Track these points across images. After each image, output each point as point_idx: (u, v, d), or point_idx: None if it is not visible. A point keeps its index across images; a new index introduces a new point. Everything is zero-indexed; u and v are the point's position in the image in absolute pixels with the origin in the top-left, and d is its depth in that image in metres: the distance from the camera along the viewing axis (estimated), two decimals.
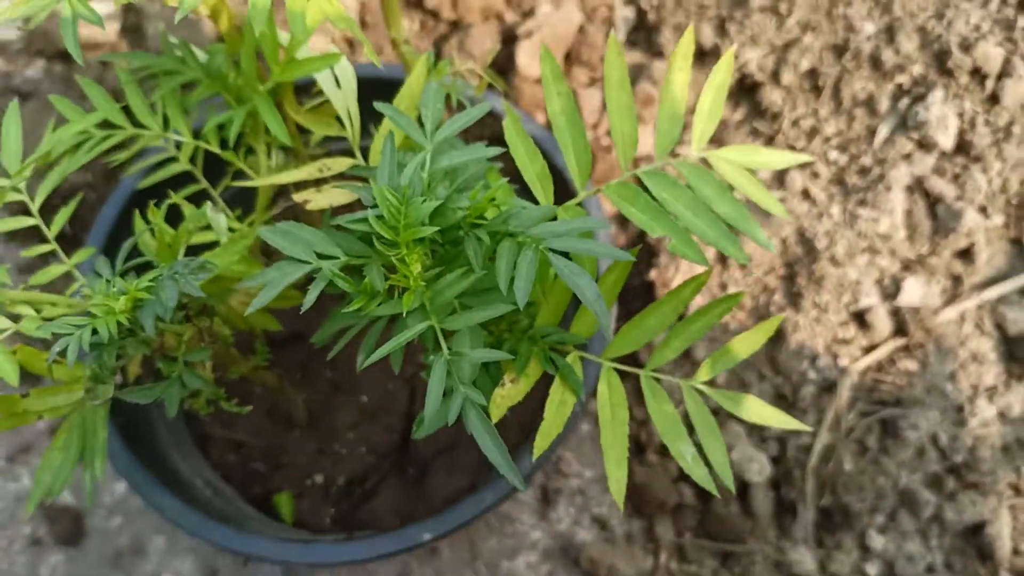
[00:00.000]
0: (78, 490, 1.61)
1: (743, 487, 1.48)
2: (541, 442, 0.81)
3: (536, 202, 0.87)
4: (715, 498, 1.49)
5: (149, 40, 1.79)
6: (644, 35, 1.74)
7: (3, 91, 1.89)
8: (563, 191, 0.91)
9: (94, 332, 0.72)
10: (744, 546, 1.47)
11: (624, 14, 1.76)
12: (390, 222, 0.72)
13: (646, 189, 0.84)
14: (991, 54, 1.45)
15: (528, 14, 1.76)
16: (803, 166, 1.54)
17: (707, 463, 0.85)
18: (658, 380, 0.88)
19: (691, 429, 0.86)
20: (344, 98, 0.92)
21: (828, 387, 1.49)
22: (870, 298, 1.48)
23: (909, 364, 1.49)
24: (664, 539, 1.51)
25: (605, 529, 1.56)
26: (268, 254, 1.18)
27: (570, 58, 1.75)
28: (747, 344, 0.88)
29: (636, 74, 1.68)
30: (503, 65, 1.73)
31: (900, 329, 1.49)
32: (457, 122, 0.82)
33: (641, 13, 1.74)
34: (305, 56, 0.89)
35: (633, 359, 1.50)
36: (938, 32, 1.48)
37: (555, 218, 0.85)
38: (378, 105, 0.82)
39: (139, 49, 1.84)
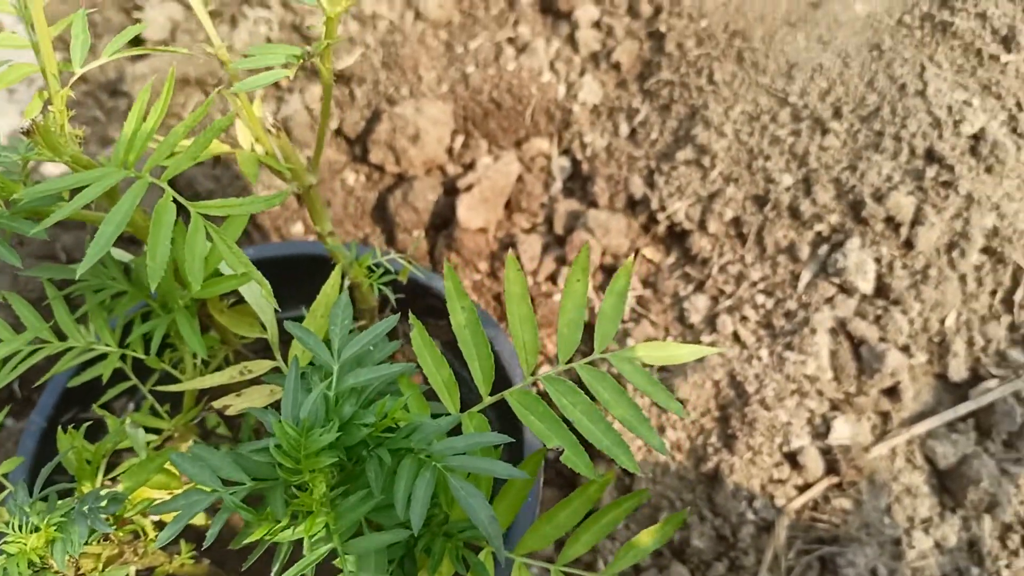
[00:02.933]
0: None
1: None
2: None
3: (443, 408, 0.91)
4: None
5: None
6: (579, 183, 1.81)
7: None
8: (475, 394, 0.95)
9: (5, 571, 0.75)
10: None
11: (561, 163, 1.83)
12: (291, 453, 0.75)
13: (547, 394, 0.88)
14: (903, 203, 1.52)
15: (469, 166, 1.83)
16: (731, 309, 1.60)
17: None
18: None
19: None
20: (261, 308, 0.96)
21: (766, 527, 1.52)
22: (801, 439, 1.52)
23: (844, 502, 1.52)
24: None
25: None
26: (204, 436, 1.21)
27: (510, 206, 1.81)
28: (651, 538, 0.91)
29: (572, 222, 1.75)
30: (445, 216, 1.79)
31: (832, 468, 1.52)
32: (361, 340, 0.86)
33: (576, 163, 1.82)
34: (224, 275, 0.93)
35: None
36: (852, 183, 1.56)
37: (460, 429, 0.89)
38: (289, 326, 0.86)
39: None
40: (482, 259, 1.73)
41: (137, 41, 2.05)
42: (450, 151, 1.85)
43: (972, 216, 1.51)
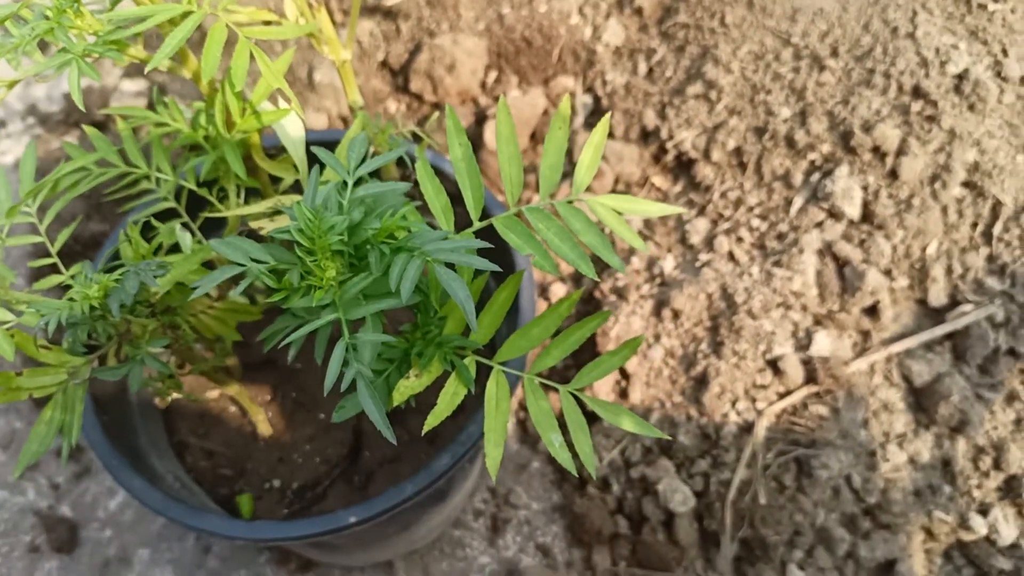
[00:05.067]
0: (76, 504, 1.79)
1: (669, 517, 1.63)
2: (431, 420, 0.99)
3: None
4: (646, 527, 1.63)
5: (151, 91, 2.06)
6: (599, 118, 1.97)
7: (45, 157, 2.16)
8: (467, 222, 1.11)
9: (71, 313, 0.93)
10: (671, 574, 1.60)
11: (584, 100, 1.99)
12: (307, 233, 0.92)
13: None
14: (889, 135, 1.65)
15: (499, 98, 2.00)
16: (729, 231, 1.74)
17: (575, 454, 1.02)
18: (541, 384, 1.06)
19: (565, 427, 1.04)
20: (295, 148, 1.14)
21: (747, 427, 1.65)
22: (784, 348, 1.65)
23: (821, 409, 1.65)
24: (600, 567, 1.65)
25: (548, 556, 1.71)
26: None
27: (535, 137, 1.98)
28: (614, 359, 1.06)
29: None
30: (475, 141, 1.96)
31: (812, 377, 1.65)
32: (374, 162, 1.03)
33: (597, 100, 1.98)
34: (264, 112, 1.11)
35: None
36: (843, 116, 1.69)
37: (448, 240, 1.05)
38: (315, 149, 1.03)
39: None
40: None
41: None
42: (483, 84, 2.03)
43: (954, 150, 1.63)
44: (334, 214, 0.97)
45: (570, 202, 1.07)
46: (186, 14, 0.95)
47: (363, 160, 1.05)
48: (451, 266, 0.95)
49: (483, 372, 1.06)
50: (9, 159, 2.22)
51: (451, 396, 1.04)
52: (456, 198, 1.05)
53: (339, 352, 0.92)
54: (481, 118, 1.97)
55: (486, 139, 1.89)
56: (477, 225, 1.08)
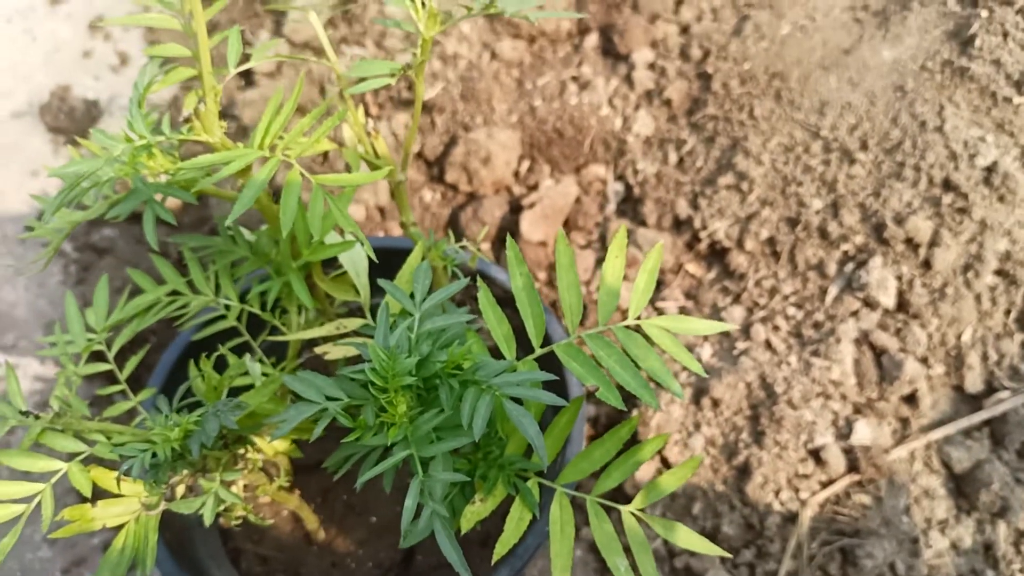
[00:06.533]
0: None
1: None
2: (500, 548, 1.02)
3: (503, 357, 1.10)
4: None
5: (212, 208, 2.11)
6: (631, 205, 2.02)
7: (84, 247, 2.20)
8: (529, 348, 1.14)
9: (153, 455, 0.96)
10: None
11: (615, 188, 2.04)
12: (381, 372, 0.95)
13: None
14: (922, 227, 1.68)
15: (533, 187, 2.05)
16: (765, 320, 1.77)
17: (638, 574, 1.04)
18: (602, 505, 1.08)
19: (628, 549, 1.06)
20: (357, 273, 1.18)
21: (791, 518, 1.66)
22: (825, 437, 1.67)
23: (864, 498, 1.66)
24: None
25: None
26: (296, 397, 1.42)
27: (568, 224, 2.02)
28: (674, 479, 1.09)
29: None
30: (510, 230, 2.00)
31: (854, 466, 1.66)
32: (439, 295, 1.06)
33: (629, 188, 2.02)
34: (330, 242, 1.15)
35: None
36: (875, 208, 1.73)
37: (515, 370, 1.08)
38: (381, 282, 1.07)
39: (200, 212, 2.15)
40: (541, 269, 1.94)
41: (247, 74, 2.33)
42: (516, 174, 2.07)
43: (986, 240, 1.66)
44: (404, 352, 1.00)
45: (629, 327, 1.10)
46: (262, 159, 1.00)
47: (428, 292, 1.09)
48: (517, 398, 0.98)
49: (542, 494, 1.09)
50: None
51: (516, 522, 1.06)
52: (504, 301, 1.08)
53: (414, 490, 0.95)
54: (516, 207, 2.01)
55: (522, 229, 1.93)
56: (539, 352, 1.11)
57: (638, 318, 1.12)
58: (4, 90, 2.60)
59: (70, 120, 2.46)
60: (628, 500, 1.07)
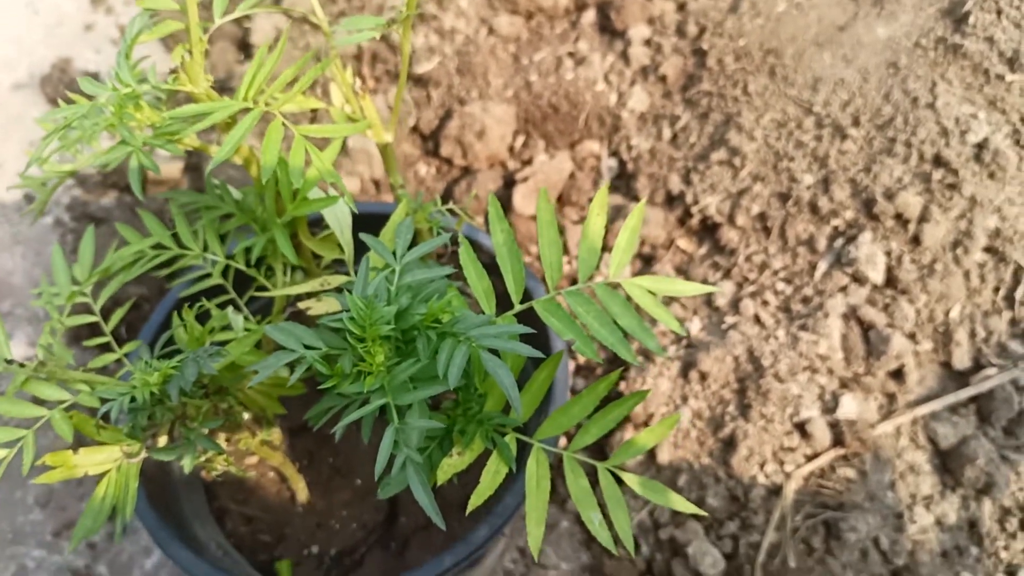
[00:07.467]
0: (113, 563, 1.83)
1: None
2: (475, 499, 1.03)
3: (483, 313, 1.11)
4: None
5: (205, 177, 2.12)
6: (624, 182, 2.02)
7: (80, 216, 2.22)
8: (508, 305, 1.15)
9: (132, 399, 0.97)
10: None
11: (609, 164, 2.04)
12: (359, 321, 0.96)
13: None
14: (911, 202, 1.69)
15: (527, 162, 2.05)
16: (754, 294, 1.77)
17: (612, 528, 1.05)
18: (579, 461, 1.09)
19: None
20: (341, 229, 1.19)
21: (775, 490, 1.67)
22: (811, 411, 1.67)
23: (849, 472, 1.67)
24: None
25: None
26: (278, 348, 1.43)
27: (562, 200, 2.03)
28: (651, 436, 1.09)
29: (616, 213, 1.95)
30: (503, 204, 2.01)
31: (839, 440, 1.67)
32: (419, 249, 1.07)
33: (622, 164, 2.03)
34: (314, 197, 1.16)
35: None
36: (866, 183, 1.73)
37: (493, 324, 1.09)
38: (362, 236, 1.08)
39: (197, 183, 2.17)
40: (532, 242, 1.95)
41: (245, 46, 2.35)
42: (511, 149, 2.08)
43: (975, 217, 1.66)
44: (383, 302, 1.01)
45: (609, 285, 1.10)
46: (244, 110, 1.00)
47: (409, 246, 1.10)
48: (494, 350, 0.99)
49: (521, 449, 1.09)
50: (48, 219, 2.29)
51: (493, 475, 1.07)
52: (491, 268, 1.09)
53: (389, 437, 0.96)
54: (510, 182, 2.02)
55: (515, 203, 1.94)
56: (518, 308, 1.12)
57: (620, 277, 1.12)
58: (6, 62, 2.62)
59: (71, 92, 2.47)
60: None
